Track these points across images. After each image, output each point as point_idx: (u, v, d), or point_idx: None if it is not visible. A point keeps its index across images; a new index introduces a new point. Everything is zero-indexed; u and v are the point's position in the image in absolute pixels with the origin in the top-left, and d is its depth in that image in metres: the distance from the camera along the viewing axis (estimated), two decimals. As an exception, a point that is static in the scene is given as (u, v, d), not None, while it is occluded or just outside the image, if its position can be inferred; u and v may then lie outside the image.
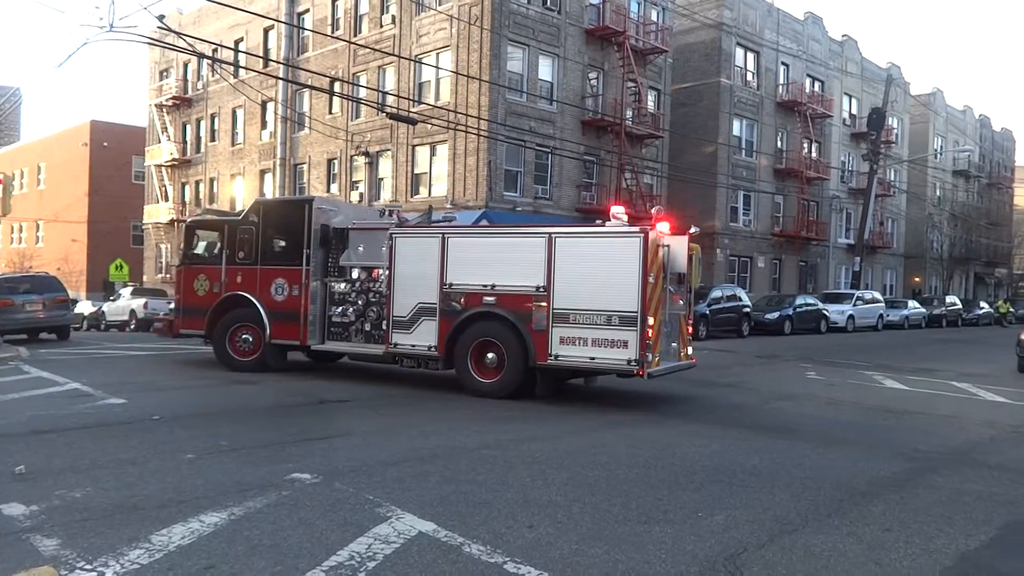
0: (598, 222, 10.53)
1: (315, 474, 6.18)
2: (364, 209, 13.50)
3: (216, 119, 43.31)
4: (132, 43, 33.25)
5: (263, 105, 38.87)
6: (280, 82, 36.15)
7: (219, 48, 37.33)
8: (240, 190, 41.53)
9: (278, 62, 36.55)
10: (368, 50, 31.49)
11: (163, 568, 4.18)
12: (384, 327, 11.31)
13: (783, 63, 41.48)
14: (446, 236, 10.86)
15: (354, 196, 33.33)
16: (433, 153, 31.13)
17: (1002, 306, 51.58)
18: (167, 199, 46.34)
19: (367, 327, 11.76)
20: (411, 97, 30.47)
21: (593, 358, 9.79)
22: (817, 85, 43.80)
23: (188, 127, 45.52)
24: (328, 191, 35.76)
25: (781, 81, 41.45)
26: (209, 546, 4.52)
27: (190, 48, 26.03)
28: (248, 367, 12.52)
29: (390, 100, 30.68)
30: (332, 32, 34.54)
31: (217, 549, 4.47)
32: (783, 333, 29.41)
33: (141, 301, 30.70)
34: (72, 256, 53.34)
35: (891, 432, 9.41)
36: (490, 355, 10.50)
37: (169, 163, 45.82)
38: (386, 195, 32.60)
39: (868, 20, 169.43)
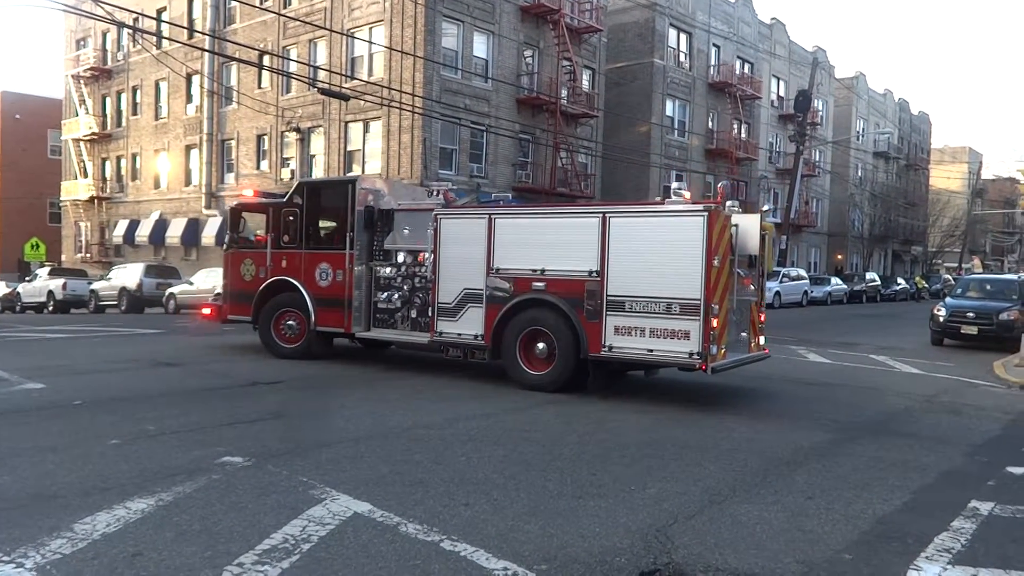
0: (657, 199, 9.64)
1: (247, 457, 6.06)
2: (412, 188, 12.72)
3: (138, 92, 41.59)
4: (46, 9, 31.56)
5: (188, 78, 37.50)
6: (206, 54, 34.92)
7: (140, 17, 35.75)
8: (164, 166, 40.11)
9: (204, 33, 35.27)
10: (298, 23, 30.67)
11: (87, 557, 4.05)
12: (430, 314, 10.72)
13: (715, 45, 42.17)
14: (493, 217, 10.20)
15: (285, 173, 32.58)
16: (367, 130, 30.63)
17: (919, 281, 54.12)
18: (86, 175, 44.41)
19: (413, 314, 11.19)
20: (343, 72, 29.85)
21: (651, 350, 8.92)
22: (747, 67, 44.71)
23: (108, 100, 43.62)
24: (258, 168, 34.87)
25: (712, 62, 42.16)
26: (136, 533, 4.40)
27: (109, 16, 24.87)
28: (293, 354, 12.06)
29: (322, 75, 30.00)
30: (260, 3, 33.46)
31: (145, 536, 4.36)
32: (713, 310, 30.02)
33: (60, 282, 29.52)
34: (-17, 235, 50.69)
35: (814, 404, 9.78)
36: (540, 345, 9.77)
37: (88, 137, 43.87)
38: (318, 172, 31.97)
39: (795, 3, 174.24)
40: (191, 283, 26.25)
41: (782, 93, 49.00)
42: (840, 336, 20.62)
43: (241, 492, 5.20)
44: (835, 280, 43.78)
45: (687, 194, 9.45)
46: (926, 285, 53.77)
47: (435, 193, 11.51)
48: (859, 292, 44.76)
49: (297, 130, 31.13)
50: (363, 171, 30.25)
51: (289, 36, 33.06)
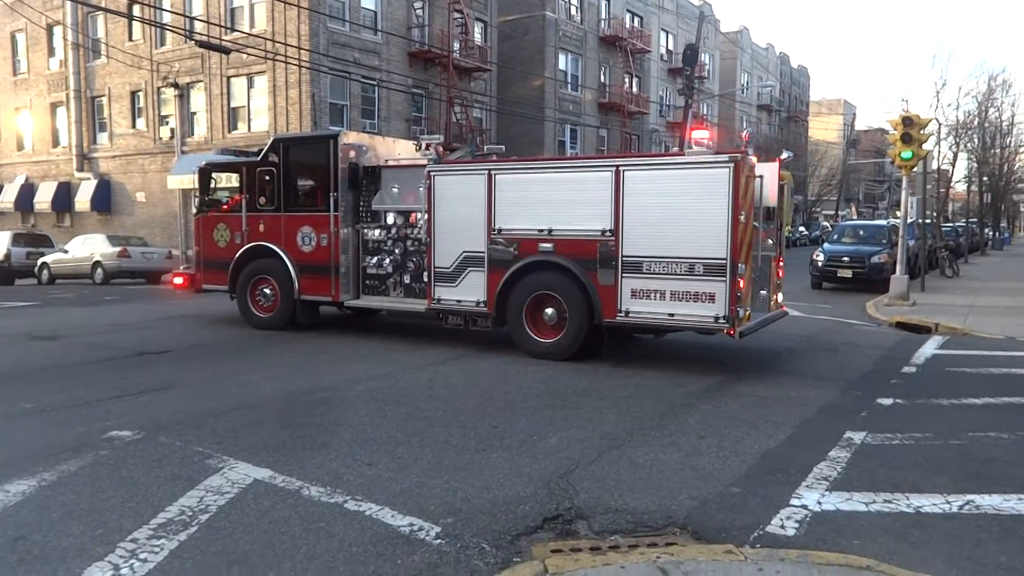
0: (674, 150, 8.95)
1: (137, 430, 5.81)
2: (400, 143, 11.83)
3: (-9, 44, 38.11)
4: None
5: (49, 29, 34.63)
6: (68, 3, 32.25)
7: (-11, -39, 32.58)
8: (28, 125, 37.17)
9: (64, -20, 32.51)
10: (170, -30, 28.72)
11: (-38, 545, 3.80)
12: (426, 279, 10.06)
13: (604, -2, 42.37)
14: (493, 173, 9.45)
15: (164, 132, 30.81)
16: (251, 85, 29.26)
17: (787, 229, 57.36)
18: (-63, 136, 40.54)
19: (407, 279, 10.52)
20: (223, 24, 28.27)
21: (672, 314, 8.36)
22: (636, 20, 45.22)
23: (-43, 53, 39.75)
24: (134, 127, 32.83)
25: (603, 16, 42.39)
26: (17, 517, 4.16)
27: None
28: (271, 324, 11.39)
29: (199, 26, 28.32)
30: (127, -52, 31.06)
31: (27, 519, 4.13)
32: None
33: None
34: None
35: (702, 348, 10.22)
36: (548, 311, 9.19)
37: (-64, 95, 39.96)
38: (200, 131, 30.42)
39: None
40: (66, 251, 24.63)
41: (671, 47, 49.92)
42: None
43: (132, 467, 4.99)
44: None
45: (709, 142, 8.62)
46: (805, 231, 56.82)
47: (425, 147, 10.31)
48: (745, 240, 46.69)
49: (175, 86, 29.32)
50: (249, 129, 28.98)
51: (161, -16, 30.96)
